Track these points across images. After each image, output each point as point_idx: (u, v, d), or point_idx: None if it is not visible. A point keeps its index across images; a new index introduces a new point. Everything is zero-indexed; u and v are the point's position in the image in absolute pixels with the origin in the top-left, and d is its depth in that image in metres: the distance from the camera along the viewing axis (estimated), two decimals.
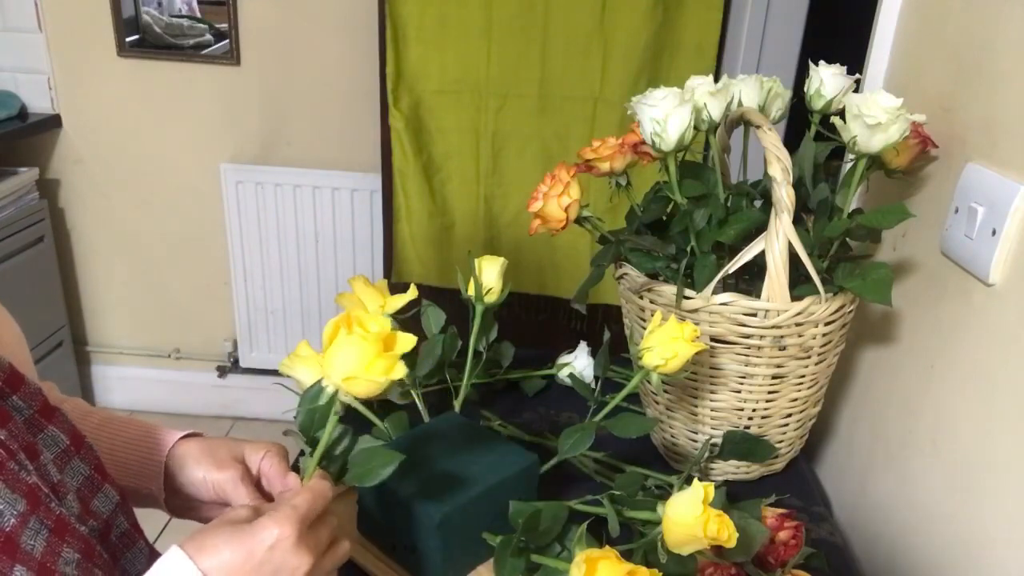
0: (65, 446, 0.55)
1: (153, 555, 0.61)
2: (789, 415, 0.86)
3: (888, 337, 0.87)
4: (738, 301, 0.76)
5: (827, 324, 0.79)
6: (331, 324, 0.56)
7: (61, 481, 0.53)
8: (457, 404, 0.92)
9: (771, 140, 0.75)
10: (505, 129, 1.86)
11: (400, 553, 0.73)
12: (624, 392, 0.79)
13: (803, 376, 0.83)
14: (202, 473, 0.66)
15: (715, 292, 0.77)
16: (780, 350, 0.79)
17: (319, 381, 0.58)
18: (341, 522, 0.62)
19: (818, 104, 0.84)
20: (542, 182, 0.82)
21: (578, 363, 1.04)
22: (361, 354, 0.54)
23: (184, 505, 0.69)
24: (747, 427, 0.85)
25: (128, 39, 2.01)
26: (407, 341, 0.56)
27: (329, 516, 0.58)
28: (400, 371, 0.55)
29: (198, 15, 2.03)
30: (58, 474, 0.53)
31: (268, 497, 0.66)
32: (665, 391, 0.86)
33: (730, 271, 0.77)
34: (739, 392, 0.83)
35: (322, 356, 0.56)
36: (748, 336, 0.78)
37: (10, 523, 0.46)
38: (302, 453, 0.64)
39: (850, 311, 0.81)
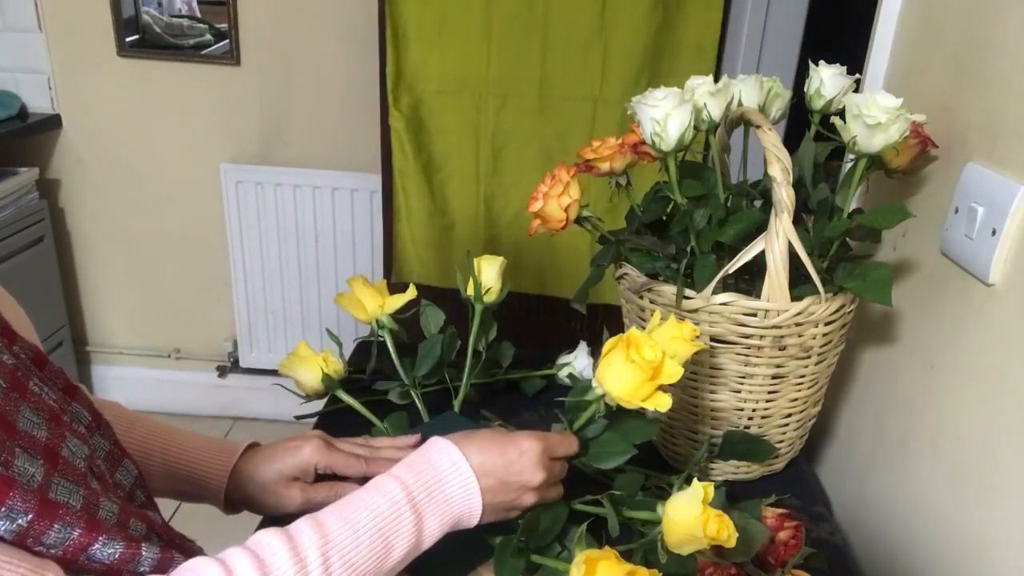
0: (88, 422, 0.60)
1: (166, 526, 0.67)
2: (789, 415, 0.86)
3: (888, 337, 0.87)
4: (738, 301, 0.76)
5: (827, 324, 0.79)
6: (614, 339, 0.65)
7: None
8: (457, 404, 0.92)
9: (771, 140, 0.75)
10: (505, 129, 1.86)
11: None
12: None
13: (803, 376, 0.83)
14: (270, 503, 0.75)
15: (715, 292, 0.77)
16: (780, 350, 0.79)
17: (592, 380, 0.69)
18: None
19: (818, 104, 0.83)
20: (542, 182, 0.82)
21: (578, 363, 1.04)
22: (629, 379, 0.64)
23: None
24: (747, 427, 0.85)
25: (128, 39, 2.01)
26: (673, 373, 0.65)
27: (564, 463, 0.71)
28: (662, 403, 0.64)
29: (198, 15, 2.03)
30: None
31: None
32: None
33: (730, 271, 0.77)
34: (739, 392, 0.83)
35: (601, 359, 0.66)
36: (748, 336, 0.78)
37: (82, 465, 0.53)
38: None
39: (850, 311, 0.81)
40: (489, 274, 0.90)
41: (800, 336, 0.78)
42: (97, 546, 0.50)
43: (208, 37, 2.03)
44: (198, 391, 2.35)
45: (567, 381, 1.04)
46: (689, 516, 0.60)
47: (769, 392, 0.83)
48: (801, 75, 1.17)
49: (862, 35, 1.00)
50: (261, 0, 1.95)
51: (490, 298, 0.91)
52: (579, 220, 0.84)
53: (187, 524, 0.71)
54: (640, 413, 0.74)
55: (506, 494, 0.65)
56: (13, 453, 0.48)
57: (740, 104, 0.86)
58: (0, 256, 1.92)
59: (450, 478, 0.63)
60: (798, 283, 0.76)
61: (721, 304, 0.77)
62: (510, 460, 0.65)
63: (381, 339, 0.92)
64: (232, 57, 2.00)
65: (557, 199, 0.81)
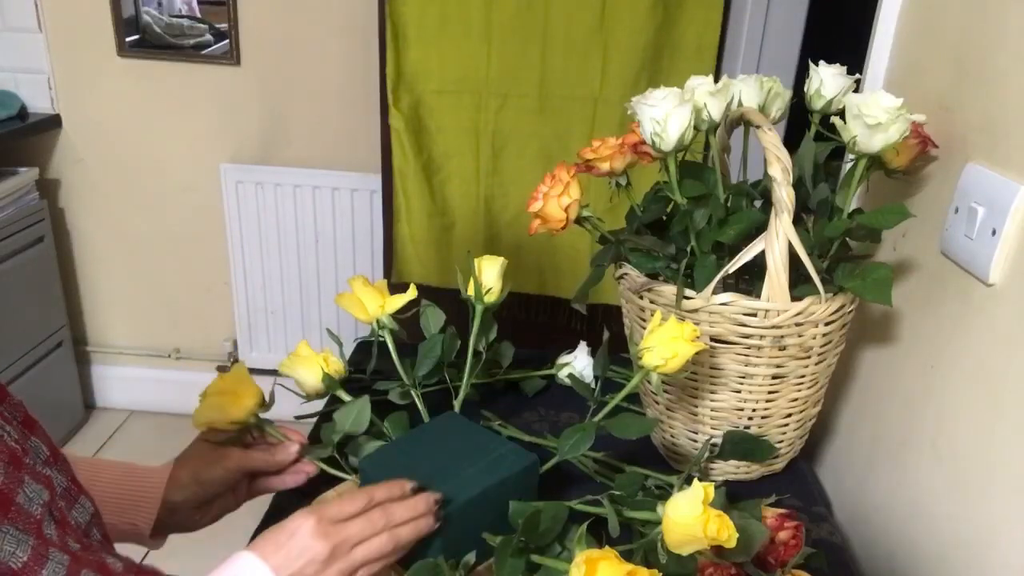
0: (46, 456, 0.59)
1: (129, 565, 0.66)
2: (789, 415, 0.86)
3: (888, 337, 0.87)
4: (738, 301, 0.76)
5: (827, 324, 0.79)
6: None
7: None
8: (457, 404, 0.92)
9: (771, 140, 0.75)
10: (505, 129, 1.86)
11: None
12: (624, 392, 0.79)
13: (803, 376, 0.83)
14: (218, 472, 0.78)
15: (715, 292, 0.77)
16: (780, 350, 0.79)
17: None
18: None
19: (818, 104, 0.84)
20: (542, 182, 0.82)
21: (578, 363, 1.04)
22: None
23: (172, 520, 0.78)
24: (747, 427, 0.85)
25: (128, 39, 2.01)
26: None
27: (360, 519, 0.65)
28: None
29: (198, 15, 2.03)
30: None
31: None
32: (665, 391, 0.86)
33: (730, 271, 0.77)
34: (739, 392, 0.83)
35: None
36: (748, 336, 0.78)
37: (38, 512, 0.52)
38: None
39: (850, 311, 0.81)
40: (489, 274, 0.90)
41: (800, 336, 0.78)
42: None
43: (208, 37, 2.03)
44: (198, 391, 2.33)
45: (567, 381, 1.04)
46: (689, 516, 0.60)
47: (769, 392, 0.83)
48: (801, 75, 1.17)
49: (862, 35, 1.00)
50: (261, 0, 1.95)
51: (490, 298, 0.91)
52: (579, 220, 0.84)
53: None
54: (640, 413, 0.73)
55: None
56: None
57: (740, 104, 0.86)
58: (0, 256, 1.92)
59: None
60: (798, 283, 0.76)
61: (721, 304, 0.77)
62: (288, 549, 0.62)
63: (381, 339, 0.92)
64: (232, 57, 2.00)
65: (557, 199, 0.81)
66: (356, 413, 0.85)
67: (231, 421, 0.80)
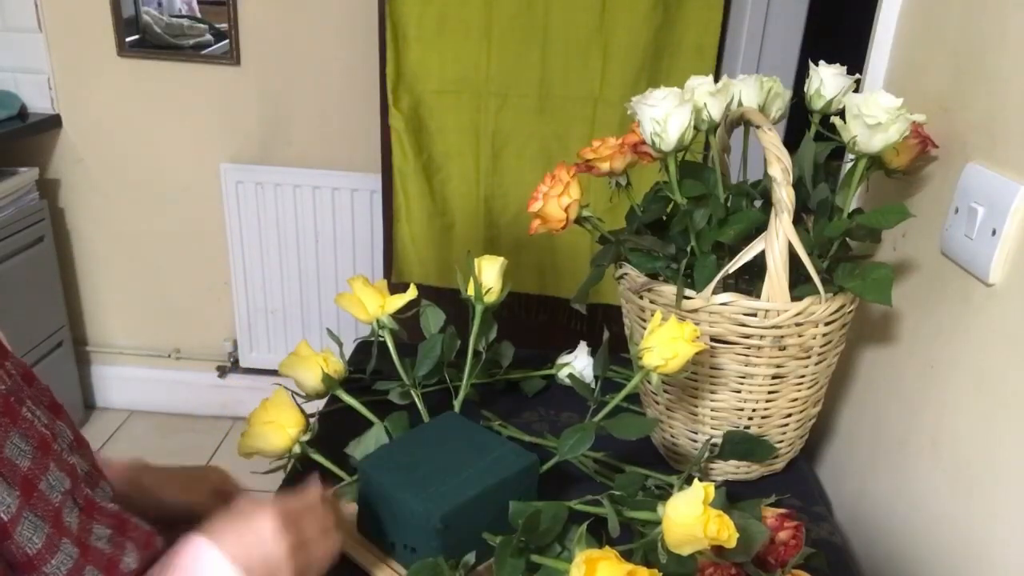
0: (71, 441, 0.60)
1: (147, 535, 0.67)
2: (789, 415, 0.86)
3: (888, 337, 0.87)
4: (738, 301, 0.76)
5: (827, 324, 0.79)
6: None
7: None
8: (457, 404, 0.92)
9: (771, 140, 0.75)
10: (505, 129, 1.86)
11: (400, 553, 0.73)
12: (624, 392, 0.79)
13: (803, 376, 0.83)
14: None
15: (715, 292, 0.77)
16: (780, 350, 0.79)
17: None
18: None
19: (818, 104, 0.84)
20: (542, 182, 0.82)
21: (578, 363, 1.04)
22: None
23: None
24: (747, 427, 0.85)
25: (128, 39, 2.01)
26: None
27: (312, 515, 0.65)
28: None
29: (198, 15, 2.03)
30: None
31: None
32: (665, 391, 0.86)
33: (730, 271, 0.77)
34: (739, 392, 0.83)
35: None
36: (748, 336, 0.78)
37: (57, 499, 0.52)
38: None
39: (850, 311, 0.81)
40: (489, 274, 0.90)
41: (800, 336, 0.78)
42: None
43: (208, 37, 2.03)
44: (198, 391, 2.35)
45: (567, 381, 1.04)
46: (689, 516, 0.60)
47: (769, 392, 0.83)
48: (801, 75, 1.17)
49: (862, 35, 1.00)
50: (261, 0, 1.95)
51: (490, 298, 0.91)
52: (579, 220, 0.84)
53: None
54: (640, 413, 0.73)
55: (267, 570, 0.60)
56: None
57: (740, 104, 0.86)
58: (0, 256, 1.92)
59: None
60: (798, 283, 0.77)
61: (721, 304, 0.77)
62: (248, 541, 0.60)
63: (381, 339, 0.92)
64: (232, 57, 2.00)
65: (557, 199, 0.81)
66: (373, 440, 0.86)
67: (276, 449, 0.79)
